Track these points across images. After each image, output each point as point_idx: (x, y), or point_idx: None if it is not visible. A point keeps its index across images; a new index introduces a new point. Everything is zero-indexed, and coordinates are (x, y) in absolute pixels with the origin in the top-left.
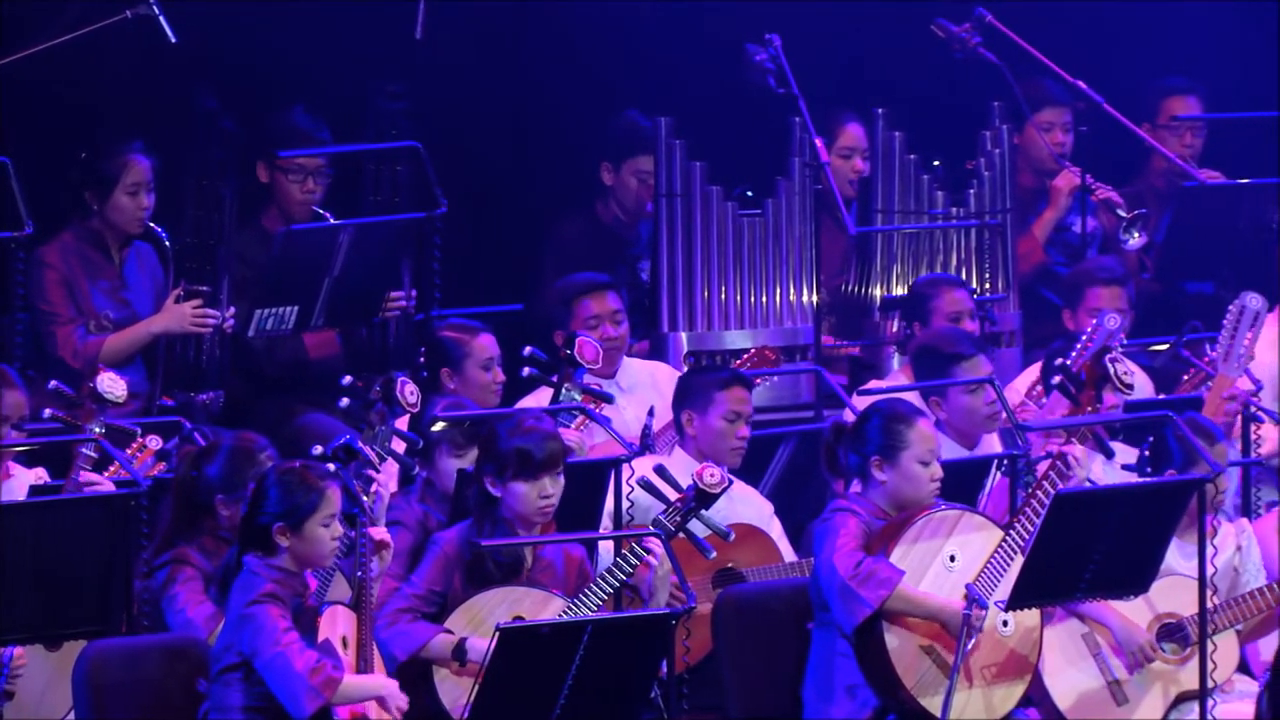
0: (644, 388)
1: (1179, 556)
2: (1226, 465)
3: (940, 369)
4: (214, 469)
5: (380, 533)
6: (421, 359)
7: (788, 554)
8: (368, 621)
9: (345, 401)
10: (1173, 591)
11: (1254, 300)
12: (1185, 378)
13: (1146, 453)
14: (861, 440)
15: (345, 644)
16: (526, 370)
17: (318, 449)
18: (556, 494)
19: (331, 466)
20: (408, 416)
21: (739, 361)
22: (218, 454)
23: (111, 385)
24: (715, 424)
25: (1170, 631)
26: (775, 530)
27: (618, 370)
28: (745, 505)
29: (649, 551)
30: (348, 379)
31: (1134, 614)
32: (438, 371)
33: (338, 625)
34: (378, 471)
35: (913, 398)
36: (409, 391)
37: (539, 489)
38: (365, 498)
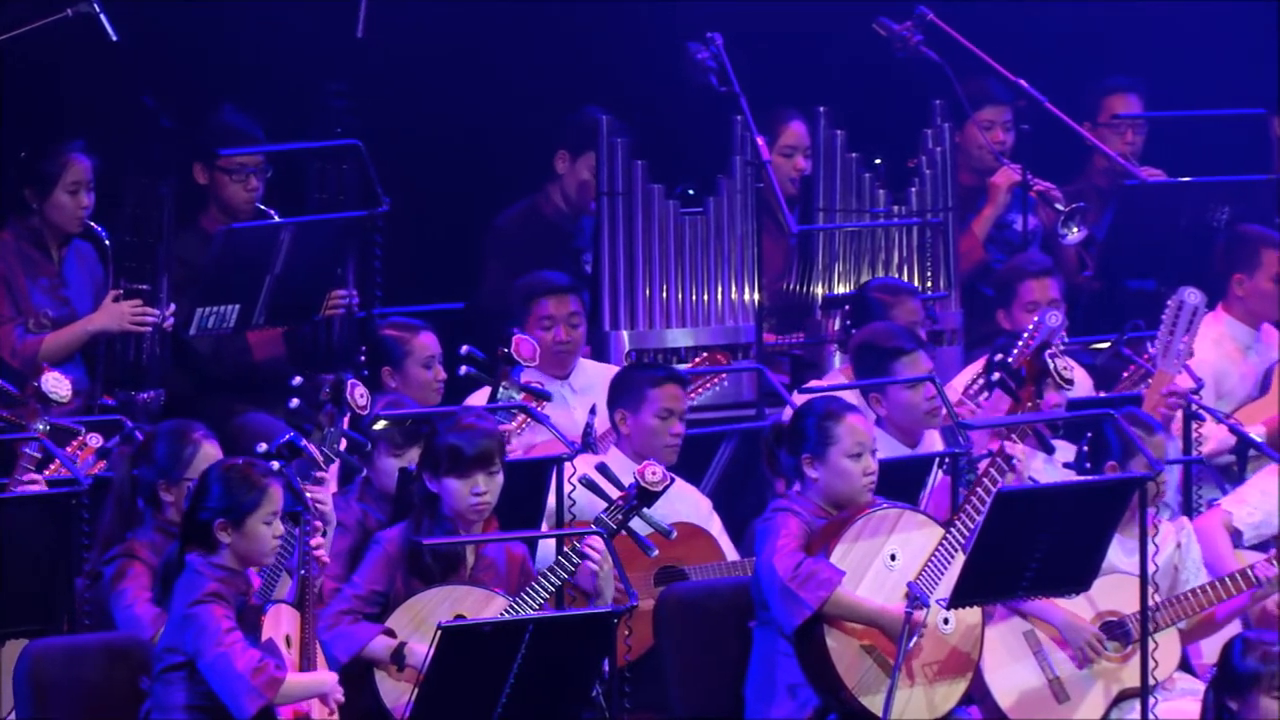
0: (598, 389)
1: (1120, 554)
2: (1165, 459)
3: (880, 364)
4: (152, 459)
5: (320, 548)
6: (363, 357)
7: (729, 552)
8: (311, 620)
9: (295, 402)
10: (1114, 589)
11: (1192, 296)
12: (1125, 375)
13: (1085, 448)
14: (795, 439)
15: (289, 643)
16: (464, 369)
17: (262, 447)
18: (491, 492)
19: (275, 464)
20: (348, 416)
21: (691, 365)
22: (154, 444)
23: (56, 385)
24: (648, 422)
25: (1112, 629)
26: (715, 528)
27: (572, 371)
28: (683, 503)
29: (592, 549)
30: (297, 379)
31: (1076, 612)
32: (379, 370)
33: (281, 624)
34: (324, 471)
35: (853, 395)
36: (359, 394)
37: (470, 486)
38: (311, 496)
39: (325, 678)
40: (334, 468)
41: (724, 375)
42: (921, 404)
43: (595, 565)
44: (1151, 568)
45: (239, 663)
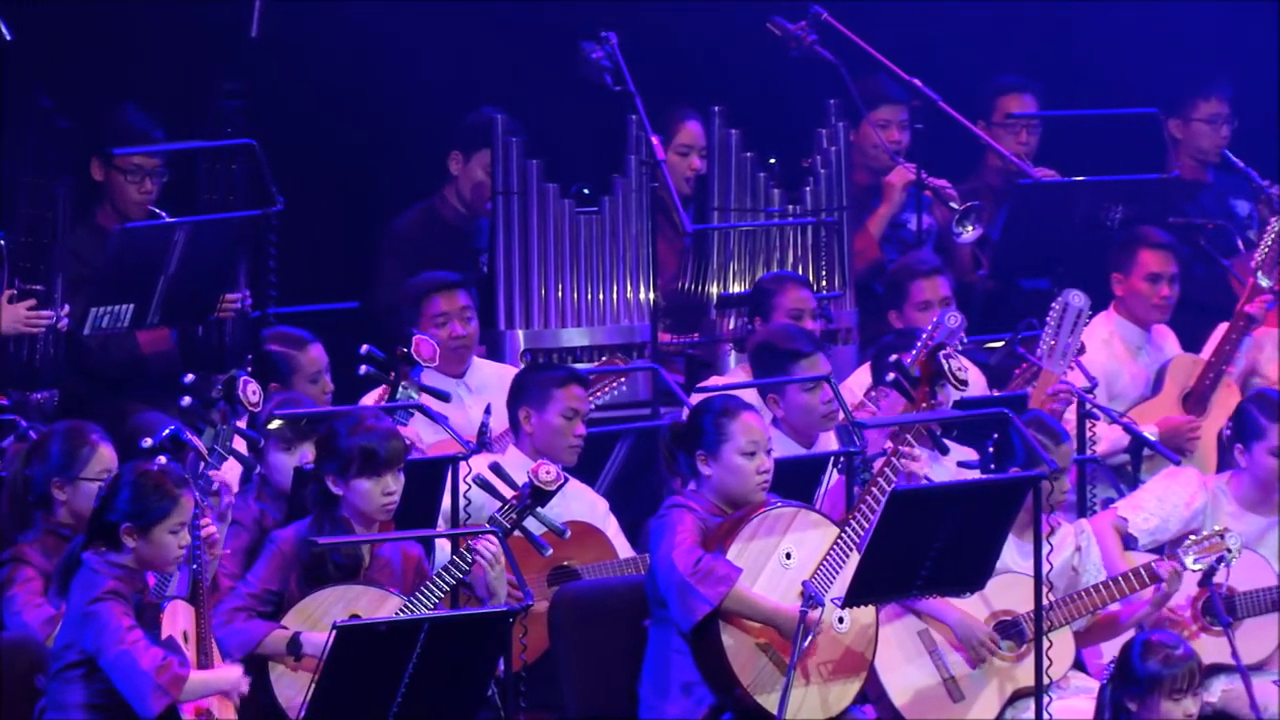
0: (493, 389)
1: (1016, 555)
2: (1068, 465)
3: (778, 366)
4: (47, 456)
5: (209, 529)
6: (249, 368)
7: (623, 551)
8: (206, 616)
9: (187, 400)
10: (1009, 589)
11: (1076, 298)
12: (1017, 374)
13: (991, 449)
14: (690, 436)
15: (186, 638)
16: (363, 368)
17: (147, 442)
18: (398, 492)
19: (163, 458)
20: (245, 416)
21: (595, 365)
22: (50, 441)
23: None
24: (553, 421)
25: (1006, 629)
26: (610, 527)
27: (467, 370)
28: (578, 502)
29: (480, 553)
30: (190, 377)
31: (970, 611)
32: (266, 385)
33: (178, 620)
34: (217, 469)
35: (751, 395)
36: (251, 391)
37: (382, 486)
38: (204, 495)
39: (228, 674)
40: (236, 467)
41: (623, 377)
42: (819, 407)
43: (486, 565)
44: (1047, 567)
45: (143, 661)
